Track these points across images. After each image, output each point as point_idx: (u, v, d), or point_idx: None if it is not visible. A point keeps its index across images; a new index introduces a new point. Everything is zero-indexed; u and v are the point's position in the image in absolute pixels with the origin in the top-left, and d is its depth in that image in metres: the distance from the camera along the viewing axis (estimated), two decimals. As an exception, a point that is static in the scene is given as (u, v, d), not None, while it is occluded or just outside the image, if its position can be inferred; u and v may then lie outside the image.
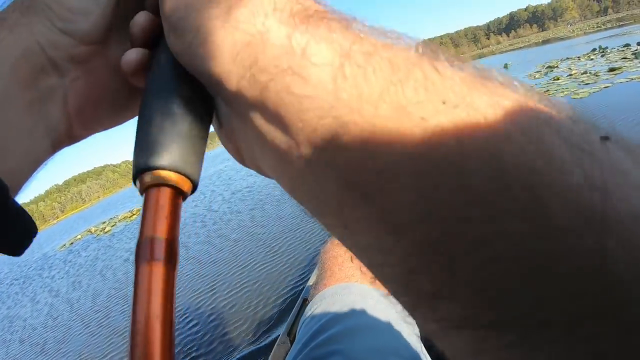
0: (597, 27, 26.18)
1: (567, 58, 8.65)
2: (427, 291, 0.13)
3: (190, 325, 2.43)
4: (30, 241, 0.22)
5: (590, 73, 5.61)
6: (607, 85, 4.57)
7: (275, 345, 1.12)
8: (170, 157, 0.19)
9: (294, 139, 0.15)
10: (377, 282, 0.27)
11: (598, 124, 0.13)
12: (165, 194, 0.18)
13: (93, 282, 4.51)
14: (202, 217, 5.35)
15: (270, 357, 1.09)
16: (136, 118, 0.21)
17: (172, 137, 0.19)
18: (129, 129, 0.28)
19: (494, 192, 0.11)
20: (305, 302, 1.22)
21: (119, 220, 10.49)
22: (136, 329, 0.15)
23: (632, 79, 4.53)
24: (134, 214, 10.50)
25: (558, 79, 5.89)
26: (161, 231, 0.17)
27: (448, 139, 0.12)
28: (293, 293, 2.29)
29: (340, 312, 0.67)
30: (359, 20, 0.17)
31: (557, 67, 7.53)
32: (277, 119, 0.16)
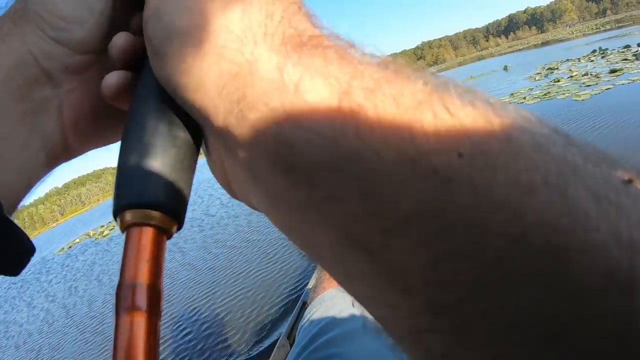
0: (596, 28, 26.28)
1: (567, 60, 8.67)
2: (436, 352, 0.12)
3: (187, 331, 2.41)
4: (28, 261, 0.22)
5: (591, 75, 5.60)
6: (608, 87, 4.56)
7: (275, 348, 1.12)
8: (153, 194, 0.18)
9: (287, 183, 0.14)
10: None
11: (617, 160, 0.12)
12: (148, 234, 0.17)
13: (89, 288, 4.51)
14: (199, 222, 5.35)
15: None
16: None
17: (156, 171, 0.18)
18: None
19: (514, 255, 0.10)
20: (304, 305, 1.21)
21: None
22: None
23: (634, 81, 4.52)
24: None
25: (559, 80, 5.88)
26: (143, 276, 0.16)
27: (463, 194, 0.11)
28: (293, 296, 2.29)
29: (339, 315, 0.67)
30: (358, 47, 0.16)
31: (557, 68, 7.53)
32: None
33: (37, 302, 4.92)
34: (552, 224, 0.10)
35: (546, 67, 8.17)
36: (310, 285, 1.31)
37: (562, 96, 4.82)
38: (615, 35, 13.66)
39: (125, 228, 0.17)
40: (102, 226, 11.66)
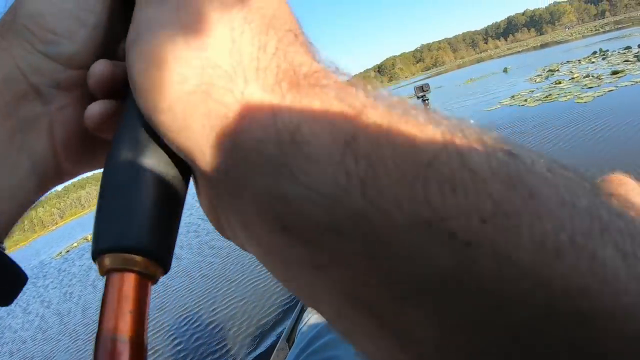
0: (596, 30, 26.37)
1: (568, 61, 8.66)
2: None
3: (186, 333, 2.42)
4: (19, 291, 0.21)
5: (592, 76, 5.57)
6: (611, 88, 4.52)
7: (275, 351, 1.12)
8: (135, 237, 0.16)
9: (283, 242, 0.13)
10: None
11: (633, 206, 0.11)
12: (130, 281, 0.16)
13: (84, 294, 4.51)
14: (196, 227, 5.31)
15: None
16: None
17: (140, 210, 0.17)
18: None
19: (539, 326, 0.10)
20: (304, 308, 1.21)
21: (115, 228, 10.38)
22: None
23: (637, 82, 4.48)
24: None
25: (560, 82, 5.85)
26: (125, 329, 0.15)
27: (485, 261, 0.10)
28: (293, 299, 2.28)
29: None
30: (359, 83, 0.14)
31: (557, 70, 7.51)
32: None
33: (33, 308, 4.91)
34: (581, 289, 0.09)
35: (546, 69, 8.15)
36: None
37: (564, 98, 4.78)
38: (615, 36, 13.67)
39: (105, 273, 0.16)
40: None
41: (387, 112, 0.12)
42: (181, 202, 0.19)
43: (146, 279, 0.16)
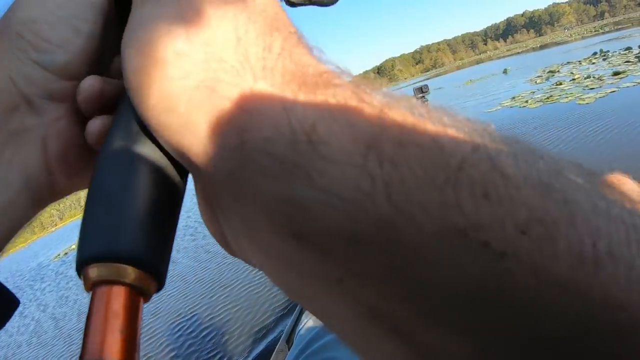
0: (595, 31, 26.41)
1: (568, 62, 8.64)
2: None
3: (184, 336, 2.40)
4: (11, 314, 0.20)
5: (594, 77, 5.53)
6: (613, 89, 4.49)
7: (274, 353, 1.11)
8: (128, 244, 0.14)
9: (296, 251, 0.12)
10: None
11: None
12: (120, 295, 0.14)
13: (80, 298, 4.48)
14: (192, 230, 5.28)
15: None
16: None
17: (132, 217, 0.15)
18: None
19: (577, 341, 0.09)
20: (303, 310, 1.20)
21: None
22: None
23: (639, 83, 4.44)
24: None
25: (561, 83, 5.81)
26: (114, 350, 0.13)
27: (521, 272, 0.09)
28: (289, 303, 2.28)
29: None
30: (375, 84, 0.13)
31: (558, 71, 7.49)
32: None
33: (29, 312, 4.89)
34: (619, 301, 0.09)
35: (546, 70, 8.13)
36: None
37: (566, 100, 4.75)
38: (615, 37, 13.67)
39: (91, 287, 0.14)
40: (99, 232, 11.63)
41: (408, 112, 0.12)
42: (178, 207, 0.17)
43: (138, 295, 0.14)
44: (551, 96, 5.16)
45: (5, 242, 0.20)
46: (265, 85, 0.13)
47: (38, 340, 3.68)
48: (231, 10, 0.15)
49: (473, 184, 0.10)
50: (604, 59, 7.33)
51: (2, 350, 3.90)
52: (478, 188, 0.10)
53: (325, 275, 0.11)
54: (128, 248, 0.14)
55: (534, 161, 0.10)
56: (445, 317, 0.10)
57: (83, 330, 0.13)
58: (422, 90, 3.30)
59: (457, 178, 0.10)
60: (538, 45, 33.53)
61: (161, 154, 0.16)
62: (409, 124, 0.11)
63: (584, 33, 29.48)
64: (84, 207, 0.16)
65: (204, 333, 2.41)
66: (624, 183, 0.24)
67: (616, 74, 5.23)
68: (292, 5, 0.25)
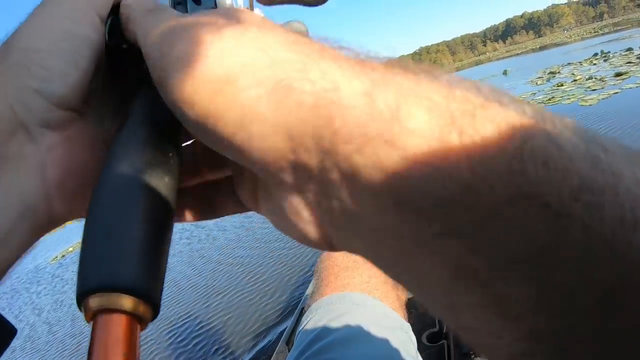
0: (594, 32, 26.39)
1: (569, 63, 8.58)
2: None
3: (181, 337, 2.36)
4: (8, 344, 0.20)
5: (595, 78, 5.47)
6: (616, 91, 4.42)
7: (274, 354, 1.09)
8: (127, 275, 0.15)
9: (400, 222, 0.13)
10: (373, 291, 0.70)
11: None
12: (120, 323, 0.15)
13: (75, 302, 4.35)
14: (189, 233, 5.23)
15: None
16: None
17: (131, 247, 0.16)
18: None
19: (619, 289, 0.11)
20: (303, 311, 1.18)
21: (112, 232, 10.39)
22: None
23: (642, 84, 4.38)
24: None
25: (562, 85, 5.75)
26: None
27: (575, 231, 0.11)
28: (292, 302, 2.29)
29: (335, 320, 0.67)
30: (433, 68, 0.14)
31: (559, 72, 7.43)
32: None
33: (24, 316, 4.82)
34: None
35: (547, 71, 8.07)
36: (308, 292, 1.29)
37: (568, 101, 4.69)
38: (615, 38, 13.64)
39: (92, 317, 0.15)
40: (97, 234, 11.58)
41: (466, 87, 0.13)
42: (171, 230, 0.18)
43: (137, 322, 0.15)
44: (553, 97, 5.10)
45: (5, 270, 0.20)
46: (336, 69, 0.13)
47: (32, 345, 3.62)
48: (258, 22, 0.16)
49: (534, 154, 0.11)
50: (605, 60, 7.28)
51: (-4, 355, 3.85)
52: (539, 158, 0.11)
53: (423, 240, 0.12)
54: (127, 279, 0.15)
55: (583, 136, 0.12)
56: (516, 267, 0.11)
57: (86, 357, 0.14)
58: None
59: (522, 149, 0.11)
60: (537, 47, 33.50)
61: (165, 180, 0.17)
62: (472, 98, 0.12)
63: (583, 34, 29.48)
64: (82, 235, 0.16)
65: (196, 340, 2.35)
66: None
67: (618, 75, 5.17)
68: (268, 3, 0.23)
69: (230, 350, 2.13)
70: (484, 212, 0.11)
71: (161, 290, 0.17)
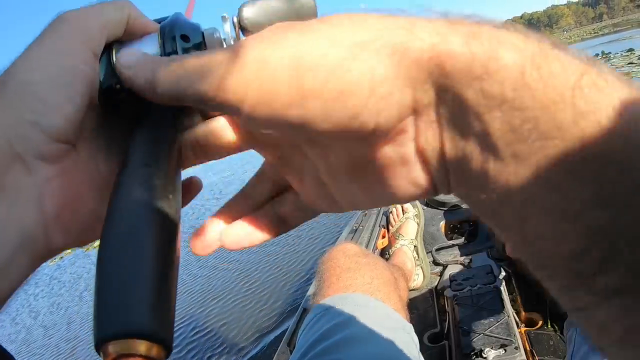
0: (594, 33, 26.43)
1: (570, 64, 8.53)
2: (587, 272, 0.14)
3: (181, 337, 2.35)
4: None
5: (597, 78, 5.43)
6: (618, 90, 4.38)
7: (276, 355, 1.07)
8: (142, 322, 0.16)
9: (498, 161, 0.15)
10: (375, 292, 0.73)
11: None
12: None
13: (71, 305, 4.38)
14: (186, 237, 5.18)
15: None
16: None
17: (144, 294, 0.17)
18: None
19: None
20: (304, 312, 1.16)
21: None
22: None
23: (644, 84, 4.34)
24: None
25: (563, 84, 5.71)
26: None
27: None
28: (293, 303, 2.28)
29: (338, 321, 0.66)
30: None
31: (560, 72, 7.38)
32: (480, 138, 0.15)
33: (20, 319, 4.80)
34: None
35: (548, 72, 8.04)
36: (310, 292, 1.26)
37: (569, 101, 4.66)
38: (616, 39, 13.64)
39: None
40: (95, 235, 11.57)
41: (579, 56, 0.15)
42: (179, 261, 0.19)
43: None
44: (554, 97, 5.08)
45: (4, 301, 0.20)
46: (438, 31, 0.15)
47: (27, 349, 3.61)
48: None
49: (590, 83, 0.14)
50: (606, 61, 7.26)
51: (-9, 359, 3.81)
52: (593, 86, 0.13)
53: (597, 199, 0.13)
54: (142, 326, 0.16)
55: (617, 74, 0.14)
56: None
57: None
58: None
59: (579, 84, 0.14)
60: (537, 47, 33.49)
61: (171, 217, 0.18)
62: (543, 45, 0.14)
63: (583, 35, 29.50)
64: (96, 277, 0.17)
65: (189, 347, 2.32)
66: None
67: (620, 75, 5.15)
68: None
69: (231, 351, 2.10)
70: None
71: (172, 329, 0.18)
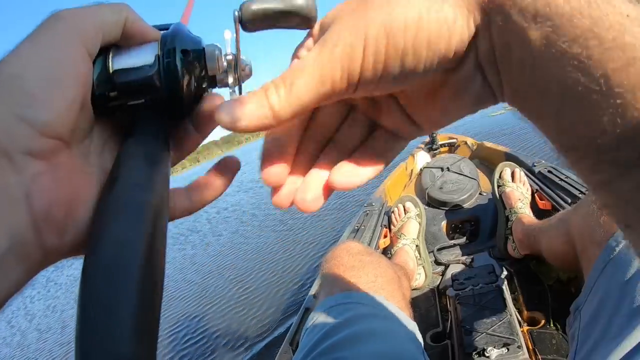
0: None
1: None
2: (612, 146, 0.16)
3: (187, 337, 2.36)
4: None
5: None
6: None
7: (278, 355, 1.06)
8: (123, 353, 0.16)
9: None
10: (379, 290, 0.74)
11: None
12: None
13: (66, 308, 4.37)
14: (184, 239, 5.20)
15: None
16: None
17: (127, 319, 0.17)
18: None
19: None
20: (307, 311, 1.16)
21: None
22: None
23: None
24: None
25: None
26: None
27: None
28: (295, 303, 2.27)
29: (342, 320, 0.66)
30: None
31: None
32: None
33: (16, 322, 4.77)
34: None
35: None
36: (312, 292, 1.26)
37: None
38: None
39: None
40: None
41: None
42: (163, 288, 0.19)
43: None
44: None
45: None
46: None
47: (21, 353, 3.59)
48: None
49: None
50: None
51: (-15, 363, 3.78)
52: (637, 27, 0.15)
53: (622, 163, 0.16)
54: (125, 355, 0.16)
55: None
56: None
57: None
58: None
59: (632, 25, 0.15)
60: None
61: (157, 244, 0.19)
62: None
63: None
64: (79, 303, 0.17)
65: (190, 347, 2.30)
66: None
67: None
68: (253, 30, 0.24)
69: (232, 351, 2.09)
70: None
71: (155, 354, 0.18)
